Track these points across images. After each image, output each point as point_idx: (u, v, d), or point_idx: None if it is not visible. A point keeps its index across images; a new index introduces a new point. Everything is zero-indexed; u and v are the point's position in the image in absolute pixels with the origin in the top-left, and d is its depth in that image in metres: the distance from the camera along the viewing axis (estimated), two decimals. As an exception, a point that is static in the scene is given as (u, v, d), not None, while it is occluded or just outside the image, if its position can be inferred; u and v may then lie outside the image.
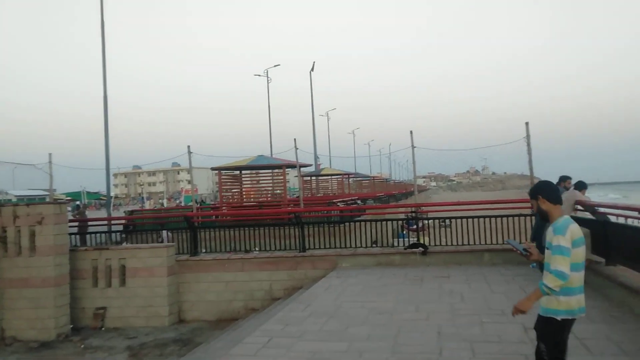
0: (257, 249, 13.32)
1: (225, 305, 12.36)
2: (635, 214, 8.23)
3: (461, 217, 11.96)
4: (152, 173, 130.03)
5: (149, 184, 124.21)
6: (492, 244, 11.84)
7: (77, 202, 35.05)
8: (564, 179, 10.04)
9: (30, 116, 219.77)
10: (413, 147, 14.23)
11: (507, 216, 12.01)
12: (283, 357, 5.98)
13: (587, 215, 9.47)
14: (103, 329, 11.87)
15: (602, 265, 8.42)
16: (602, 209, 8.98)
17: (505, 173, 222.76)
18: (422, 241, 12.39)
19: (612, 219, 8.96)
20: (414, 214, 14.04)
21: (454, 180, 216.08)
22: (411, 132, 14.29)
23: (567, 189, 9.72)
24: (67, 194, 46.26)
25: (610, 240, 8.31)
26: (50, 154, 16.17)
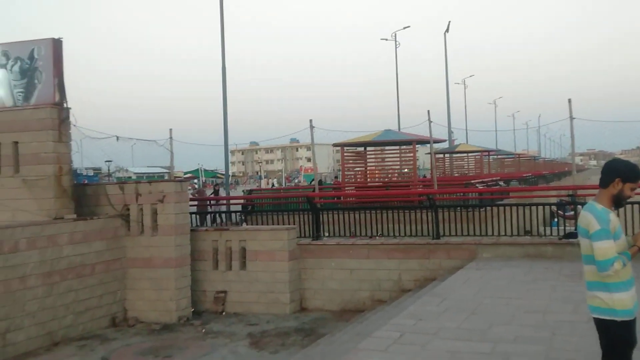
0: (378, 235, 13.36)
1: (350, 294, 12.61)
2: None
3: (632, 203, 11.08)
4: (270, 150, 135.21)
5: (267, 162, 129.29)
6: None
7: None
8: None
9: (148, 91, 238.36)
10: (572, 118, 13.41)
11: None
12: (417, 356, 5.99)
13: None
14: (224, 313, 12.68)
15: None
16: None
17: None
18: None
19: None
20: (569, 198, 13.27)
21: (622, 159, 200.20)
22: (569, 100, 13.47)
23: None
24: (185, 172, 49.64)
25: None
26: (170, 130, 17.45)
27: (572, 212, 13.61)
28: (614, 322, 3.75)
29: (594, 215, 3.75)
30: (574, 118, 13.34)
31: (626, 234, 9.41)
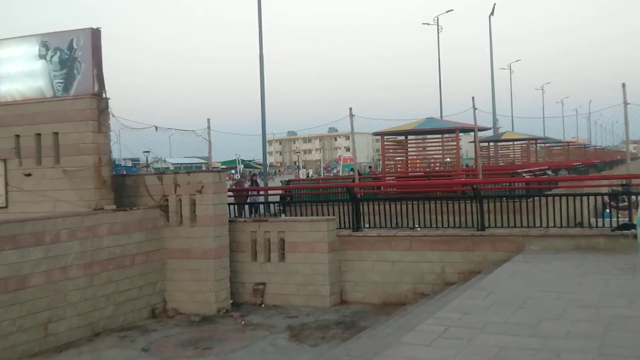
0: (419, 227, 13.27)
1: (391, 287, 12.59)
2: None
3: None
4: (308, 139, 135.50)
5: (304, 152, 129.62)
6: None
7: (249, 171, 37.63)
8: None
9: (185, 82, 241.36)
10: (626, 103, 13.04)
11: None
12: (463, 351, 5.94)
13: None
14: (263, 305, 12.83)
15: None
16: None
17: None
18: (635, 221, 11.37)
19: None
20: (622, 188, 12.91)
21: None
22: (623, 84, 13.09)
23: None
24: (222, 162, 50.18)
25: None
26: (208, 120, 17.65)
27: (626, 203, 13.24)
28: None
29: None
30: (629, 104, 12.97)
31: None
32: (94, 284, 11.06)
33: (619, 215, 13.13)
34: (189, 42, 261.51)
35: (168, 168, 52.06)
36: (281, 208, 16.35)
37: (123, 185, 13.07)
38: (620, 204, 14.45)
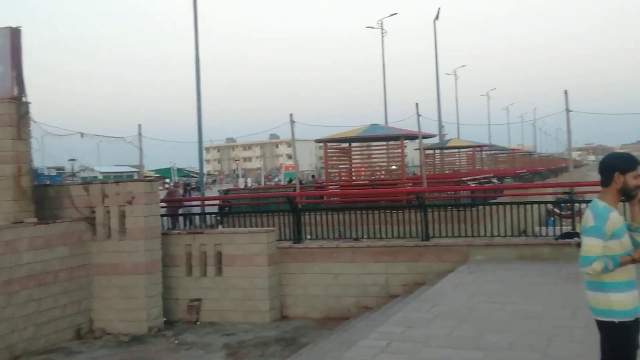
0: (365, 237, 13.40)
1: (334, 301, 12.62)
2: None
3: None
4: (248, 147, 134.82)
5: (244, 159, 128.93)
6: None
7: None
8: None
9: (116, 88, 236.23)
10: (568, 110, 13.52)
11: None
12: (405, 366, 6.01)
13: None
14: (198, 323, 12.63)
15: None
16: None
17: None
18: (578, 230, 11.80)
19: None
20: (567, 196, 13.39)
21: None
22: (565, 92, 13.57)
23: None
24: (156, 171, 49.28)
25: None
26: (139, 126, 17.32)
27: (569, 211, 13.74)
28: (612, 324, 3.82)
29: (592, 212, 3.85)
30: (571, 111, 13.47)
31: None
32: (12, 304, 10.63)
33: (563, 224, 13.59)
34: (119, 41, 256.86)
35: (96, 177, 50.78)
36: (219, 219, 16.19)
37: (45, 196, 12.66)
38: (564, 212, 14.98)
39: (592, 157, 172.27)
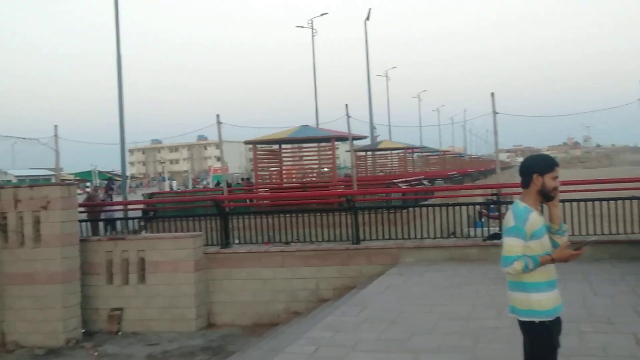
0: (296, 241, 13.43)
1: (263, 307, 12.57)
2: None
3: (570, 200, 11.69)
4: (175, 148, 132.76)
5: (171, 162, 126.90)
6: (595, 234, 11.55)
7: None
8: None
9: (33, 86, 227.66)
10: (495, 112, 13.95)
11: (617, 199, 11.66)
12: (333, 371, 6.05)
13: None
14: (120, 333, 12.31)
15: None
16: None
17: (613, 145, 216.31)
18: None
19: None
20: (495, 198, 13.81)
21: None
22: (492, 94, 14.01)
23: None
24: (76, 174, 47.84)
25: None
26: (56, 126, 16.75)
27: (497, 212, 14.18)
28: (533, 323, 3.95)
29: (513, 213, 3.97)
30: (498, 113, 13.92)
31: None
32: None
33: (492, 225, 14.00)
34: (37, 38, 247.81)
35: (10, 181, 48.85)
36: (142, 224, 15.86)
37: (-49, 201, 12.06)
38: (492, 213, 15.45)
39: (520, 159, 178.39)
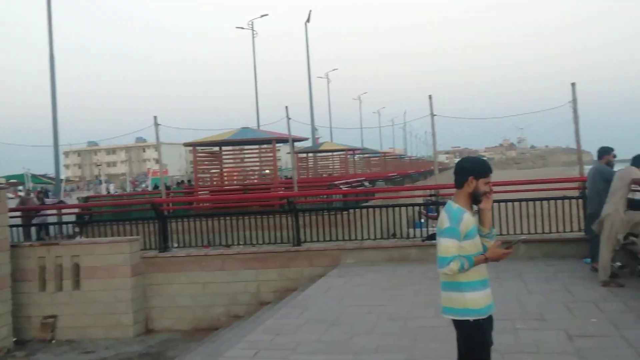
0: (240, 243, 13.37)
1: (203, 311, 12.44)
2: None
3: (499, 201, 11.99)
4: (112, 151, 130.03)
5: (108, 164, 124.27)
6: (529, 233, 11.91)
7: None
8: (606, 151, 9.86)
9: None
10: (432, 114, 14.19)
11: (549, 199, 12.06)
12: (273, 374, 6.04)
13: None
14: (53, 341, 11.96)
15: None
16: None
17: (546, 147, 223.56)
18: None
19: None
20: (434, 198, 14.07)
21: (484, 156, 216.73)
22: (430, 96, 14.24)
23: (610, 165, 9.67)
24: (8, 177, 46.20)
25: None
26: (-17, 128, 16.14)
27: (436, 213, 14.45)
28: (467, 322, 4.05)
29: (447, 213, 4.05)
30: (436, 115, 14.16)
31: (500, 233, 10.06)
32: None
33: (432, 225, 14.26)
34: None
35: (-64, 185, 46.75)
36: (76, 229, 15.46)
37: None
38: (431, 214, 15.73)
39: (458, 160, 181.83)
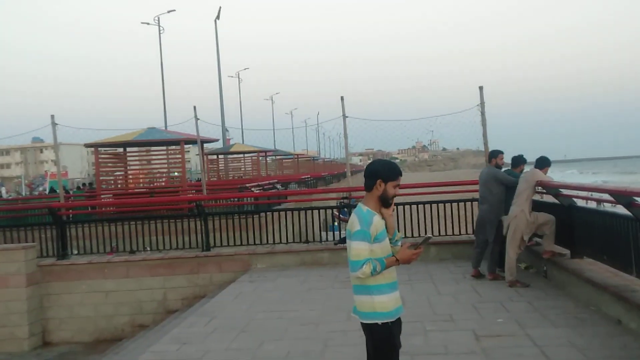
0: (148, 248, 13.10)
1: (105, 321, 12.13)
2: (606, 196, 8.69)
3: (403, 204, 12.29)
4: (6, 151, 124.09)
5: (2, 166, 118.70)
6: (439, 235, 12.28)
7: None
8: (495, 154, 10.25)
9: None
10: (344, 116, 14.39)
11: (459, 201, 12.47)
12: (179, 385, 5.95)
13: (551, 198, 9.97)
14: (-62, 358, 11.32)
15: (566, 258, 8.93)
16: (567, 191, 9.48)
17: (457, 149, 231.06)
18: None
19: (580, 203, 9.47)
20: (347, 201, 14.26)
21: (397, 158, 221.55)
22: (342, 97, 14.43)
23: (499, 167, 10.09)
24: None
25: (576, 228, 8.82)
26: None
27: (349, 216, 14.65)
28: (376, 325, 4.13)
29: (357, 216, 4.11)
30: (347, 117, 14.37)
31: (404, 235, 10.30)
32: None
33: (344, 228, 14.41)
34: None
35: None
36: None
37: None
38: (344, 217, 15.90)
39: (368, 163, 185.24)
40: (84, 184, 35.07)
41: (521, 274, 9.51)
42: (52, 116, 16.06)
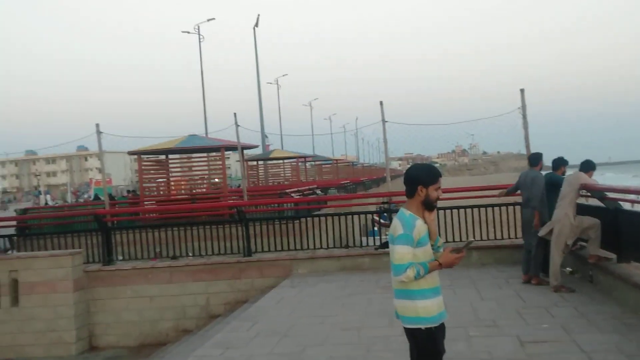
0: (190, 255, 13.25)
1: (150, 326, 12.29)
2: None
3: (443, 208, 12.18)
4: (52, 160, 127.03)
5: (48, 174, 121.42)
6: (481, 239, 12.14)
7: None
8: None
9: None
10: (384, 121, 14.38)
11: (500, 205, 12.32)
12: (223, 389, 6.01)
13: (596, 201, 9.78)
14: (-10, 362, 11.64)
15: (613, 263, 8.74)
16: (613, 194, 9.29)
17: (498, 152, 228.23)
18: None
19: (626, 206, 9.25)
20: (386, 206, 14.21)
21: (436, 163, 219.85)
22: (381, 102, 14.43)
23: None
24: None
25: (623, 232, 8.62)
26: None
27: (389, 220, 14.59)
28: (419, 330, 4.12)
29: (400, 221, 4.11)
30: (387, 121, 14.35)
31: (446, 240, 10.21)
32: None
33: (385, 233, 14.36)
34: None
35: None
36: (9, 244, 15.03)
37: None
38: (384, 221, 15.85)
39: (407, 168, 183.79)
40: (128, 191, 35.69)
41: (566, 278, 9.35)
42: (97, 125, 16.40)
